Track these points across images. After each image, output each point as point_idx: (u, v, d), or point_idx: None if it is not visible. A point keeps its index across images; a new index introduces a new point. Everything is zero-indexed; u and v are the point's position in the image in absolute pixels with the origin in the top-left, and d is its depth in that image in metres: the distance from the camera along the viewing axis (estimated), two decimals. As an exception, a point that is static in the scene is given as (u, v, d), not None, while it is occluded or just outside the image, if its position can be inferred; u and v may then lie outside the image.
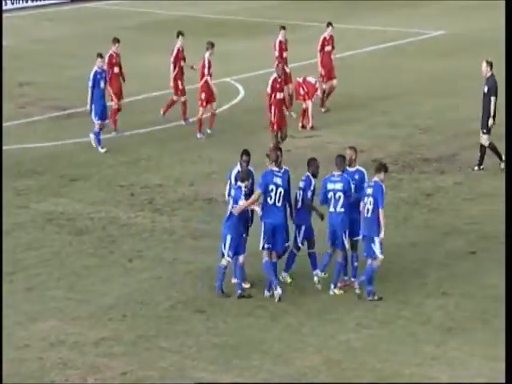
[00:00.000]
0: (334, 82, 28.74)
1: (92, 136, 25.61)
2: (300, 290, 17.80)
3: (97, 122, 25.72)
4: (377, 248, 17.29)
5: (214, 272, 18.04)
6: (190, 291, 17.63)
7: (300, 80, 27.45)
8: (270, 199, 17.55)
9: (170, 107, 27.99)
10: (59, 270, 18.60)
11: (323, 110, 28.65)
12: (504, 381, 14.22)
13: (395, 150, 24.86)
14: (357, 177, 17.87)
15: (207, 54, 27.07)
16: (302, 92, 27.43)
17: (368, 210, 17.36)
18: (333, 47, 29.00)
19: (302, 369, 15.10)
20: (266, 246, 17.52)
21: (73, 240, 19.99)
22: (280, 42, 28.69)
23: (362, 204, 17.53)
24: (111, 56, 27.59)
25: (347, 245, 17.69)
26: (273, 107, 24.53)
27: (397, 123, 27.82)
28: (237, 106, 29.89)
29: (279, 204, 17.57)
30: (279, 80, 24.49)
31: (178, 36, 28.36)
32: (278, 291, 17.21)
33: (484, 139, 23.45)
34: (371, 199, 17.36)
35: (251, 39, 35.80)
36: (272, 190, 17.55)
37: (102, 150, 25.57)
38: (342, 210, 17.53)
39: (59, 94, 31.09)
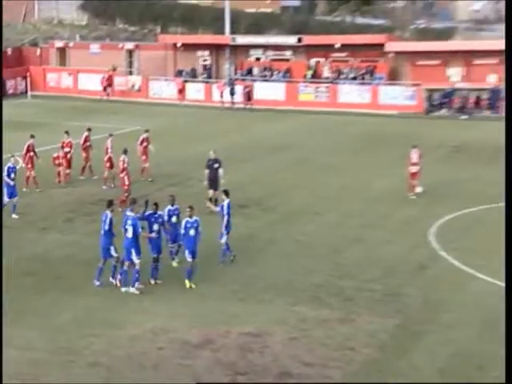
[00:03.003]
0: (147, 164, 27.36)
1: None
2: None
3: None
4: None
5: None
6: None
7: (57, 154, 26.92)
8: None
9: None
10: None
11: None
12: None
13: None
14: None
15: (109, 141, 26.21)
16: (56, 162, 26.70)
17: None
18: (147, 142, 27.53)
19: (58, 325, 14.76)
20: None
21: None
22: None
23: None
24: (63, 143, 26.43)
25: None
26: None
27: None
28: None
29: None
30: None
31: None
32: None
33: (211, 193, 22.88)
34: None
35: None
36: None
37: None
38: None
39: None
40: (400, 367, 13.15)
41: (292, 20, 69.96)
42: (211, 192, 23.11)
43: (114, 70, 53.14)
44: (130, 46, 56.28)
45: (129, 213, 16.52)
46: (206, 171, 23.39)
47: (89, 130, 28.42)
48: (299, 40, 51.22)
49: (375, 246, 20.08)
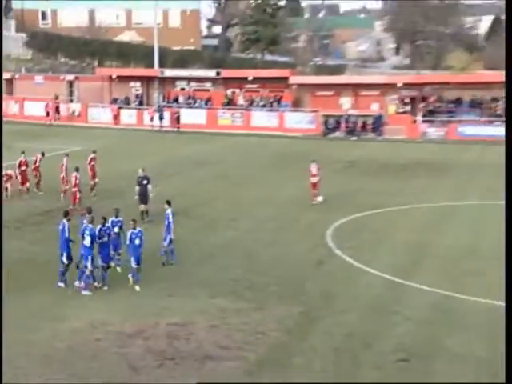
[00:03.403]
0: (96, 180, 26.53)
1: None
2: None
3: None
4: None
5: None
6: None
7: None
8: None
9: None
10: None
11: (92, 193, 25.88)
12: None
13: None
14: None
15: (65, 160, 25.08)
16: (4, 179, 25.52)
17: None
18: (95, 161, 26.58)
19: (5, 321, 14.14)
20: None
21: None
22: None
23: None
24: (21, 161, 25.65)
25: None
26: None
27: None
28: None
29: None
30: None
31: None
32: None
33: (142, 207, 22.58)
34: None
35: None
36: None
37: None
38: None
39: None
40: (302, 348, 13.38)
41: (212, 56, 70.61)
42: (142, 206, 22.70)
43: (57, 98, 52.11)
44: (70, 77, 55.30)
45: (87, 223, 16.02)
46: (137, 188, 22.86)
47: (42, 154, 27.45)
48: (218, 73, 51.81)
49: (282, 246, 20.31)
